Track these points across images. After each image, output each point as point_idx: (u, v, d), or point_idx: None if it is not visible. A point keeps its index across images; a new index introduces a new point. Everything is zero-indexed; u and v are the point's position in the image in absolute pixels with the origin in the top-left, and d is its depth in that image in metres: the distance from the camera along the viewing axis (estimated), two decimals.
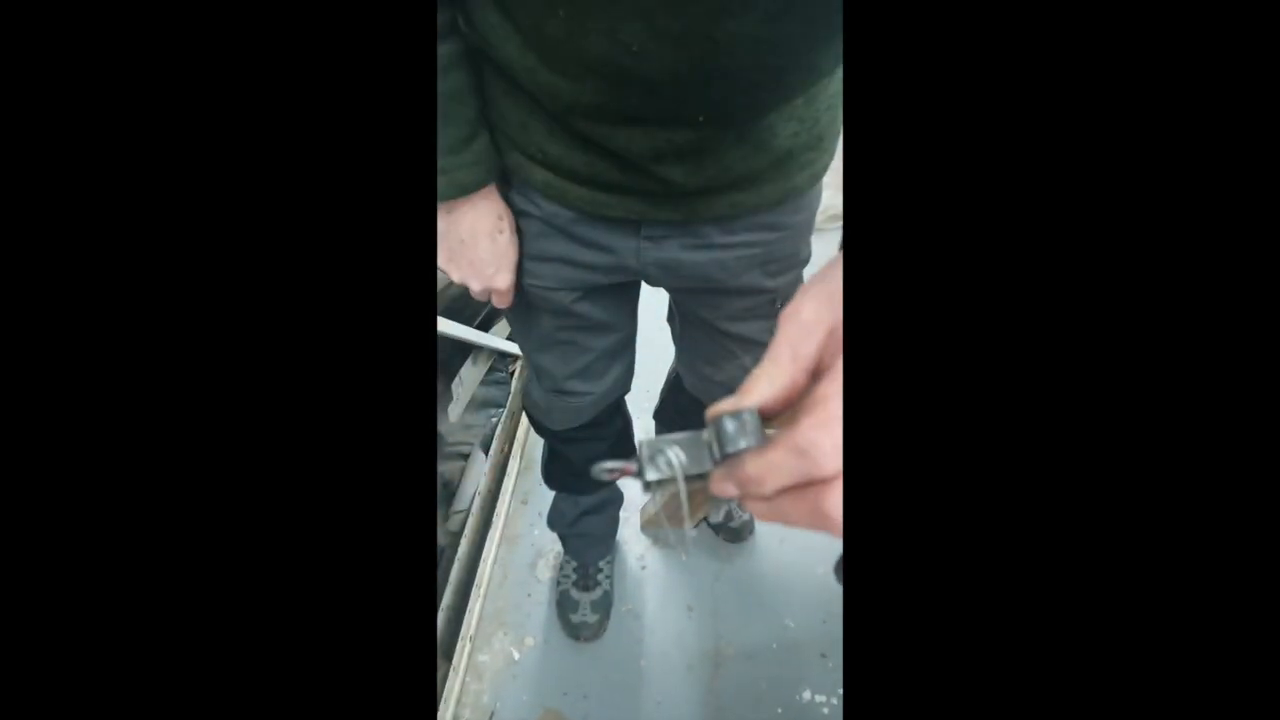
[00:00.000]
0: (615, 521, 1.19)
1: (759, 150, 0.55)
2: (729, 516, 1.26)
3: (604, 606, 1.14)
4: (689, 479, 0.25)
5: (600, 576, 1.16)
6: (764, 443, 0.24)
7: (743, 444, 0.24)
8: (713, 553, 1.25)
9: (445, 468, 1.31)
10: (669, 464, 0.25)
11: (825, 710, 1.05)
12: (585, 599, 1.13)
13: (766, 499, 0.24)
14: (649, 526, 1.27)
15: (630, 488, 1.27)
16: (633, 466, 0.26)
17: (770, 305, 0.69)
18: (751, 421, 0.24)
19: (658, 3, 0.43)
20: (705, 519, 1.26)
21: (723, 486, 0.25)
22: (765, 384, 0.25)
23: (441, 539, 1.25)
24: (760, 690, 1.08)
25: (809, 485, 0.23)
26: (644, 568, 1.24)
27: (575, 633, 1.12)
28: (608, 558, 1.19)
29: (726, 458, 0.25)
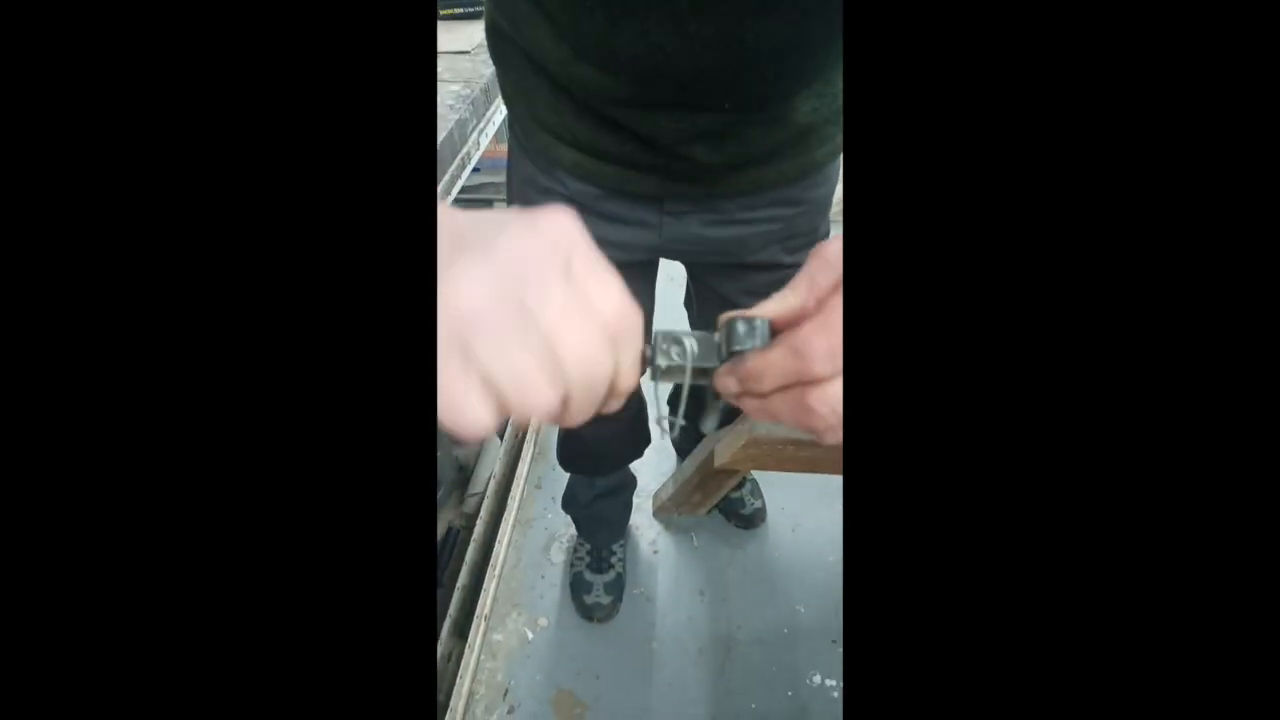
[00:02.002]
0: (629, 505, 1.21)
1: (780, 127, 0.57)
2: (741, 504, 1.27)
3: (617, 589, 1.16)
4: (696, 370, 0.27)
5: (613, 559, 1.17)
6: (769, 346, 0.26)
7: (749, 345, 0.26)
8: (724, 539, 1.26)
9: (461, 452, 1.33)
10: (681, 352, 0.27)
11: (835, 694, 1.06)
12: (598, 581, 1.15)
13: (762, 395, 0.26)
14: (661, 512, 1.28)
15: (644, 474, 1.29)
16: (647, 352, 0.27)
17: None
18: (761, 327, 0.26)
19: (689, 7, 0.44)
20: (716, 506, 1.27)
21: (725, 382, 0.27)
22: (778, 302, 0.27)
23: (457, 521, 1.26)
24: (770, 674, 1.08)
25: (799, 384, 0.25)
26: (656, 552, 1.25)
27: (588, 614, 1.13)
28: (621, 541, 1.20)
29: (733, 355, 0.27)
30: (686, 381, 0.28)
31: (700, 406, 0.31)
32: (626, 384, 0.25)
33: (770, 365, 0.25)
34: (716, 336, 0.27)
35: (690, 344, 0.27)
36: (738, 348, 0.26)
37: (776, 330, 0.27)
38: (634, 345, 0.25)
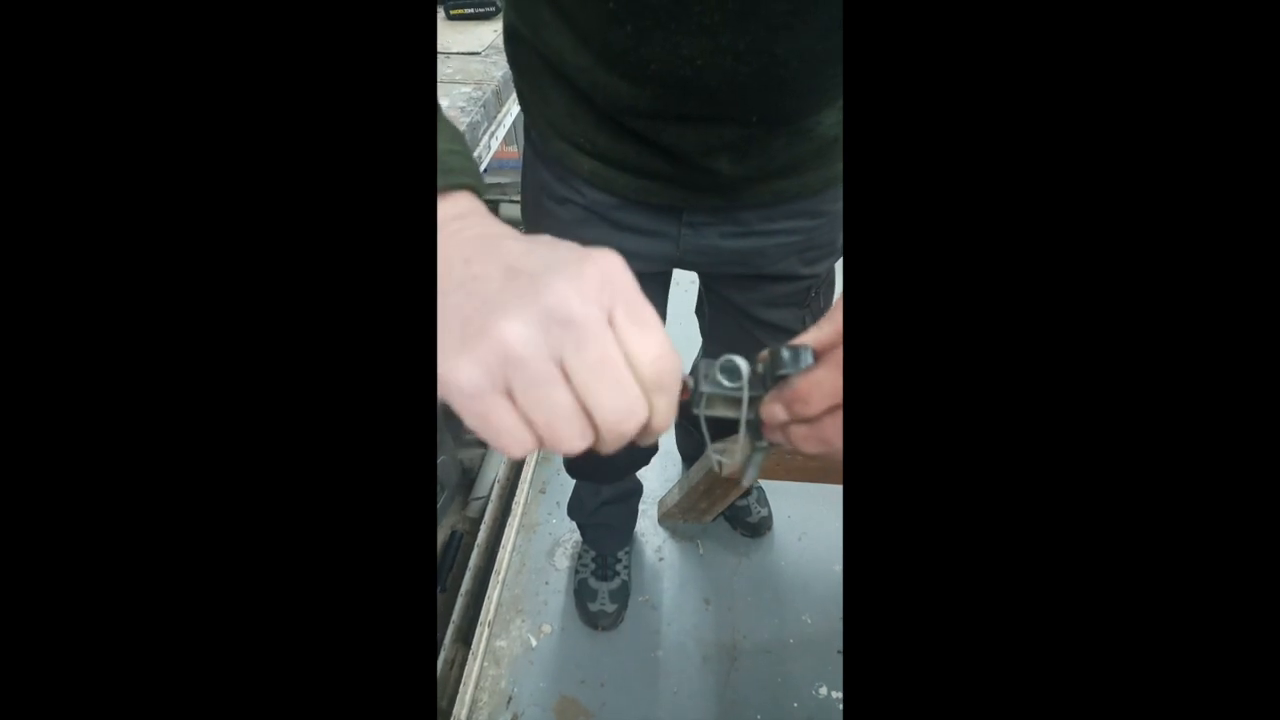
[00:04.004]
0: (634, 513, 1.20)
1: (804, 140, 0.56)
2: (747, 511, 1.26)
3: (622, 596, 1.15)
4: (735, 400, 0.27)
5: (619, 566, 1.16)
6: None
7: (794, 370, 0.27)
8: (730, 547, 1.26)
9: (465, 455, 1.32)
10: (733, 376, 0.27)
11: (842, 706, 1.05)
12: (604, 588, 1.14)
13: (810, 420, 0.27)
14: (667, 519, 1.28)
15: (650, 480, 1.28)
16: (689, 380, 0.27)
17: (805, 293, 0.70)
18: (805, 354, 0.27)
19: (721, 21, 0.43)
20: (722, 513, 1.26)
21: (772, 410, 0.28)
22: (816, 331, 0.27)
23: (461, 525, 1.25)
24: (776, 684, 1.08)
25: None
26: (661, 559, 1.24)
27: (593, 621, 1.13)
28: (626, 548, 1.20)
29: (778, 380, 0.27)
30: (745, 398, 0.27)
31: (722, 435, 0.31)
32: (663, 425, 0.25)
33: (816, 384, 0.26)
34: (760, 366, 0.28)
35: (745, 367, 0.27)
36: (782, 372, 0.26)
37: (818, 356, 0.27)
38: (673, 390, 0.25)
